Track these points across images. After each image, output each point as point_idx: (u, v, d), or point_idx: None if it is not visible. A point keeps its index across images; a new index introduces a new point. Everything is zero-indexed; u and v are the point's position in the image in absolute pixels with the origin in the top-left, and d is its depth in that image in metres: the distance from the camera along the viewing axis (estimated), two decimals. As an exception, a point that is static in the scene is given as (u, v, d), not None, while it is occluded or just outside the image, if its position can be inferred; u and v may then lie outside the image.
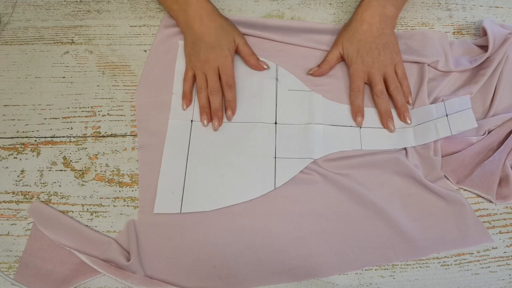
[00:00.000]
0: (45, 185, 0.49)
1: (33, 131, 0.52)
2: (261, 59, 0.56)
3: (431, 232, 0.48)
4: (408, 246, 0.47)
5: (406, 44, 0.59)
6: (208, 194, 0.48)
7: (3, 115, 0.53)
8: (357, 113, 0.53)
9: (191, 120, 0.52)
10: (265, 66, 0.55)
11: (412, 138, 0.52)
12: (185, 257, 0.45)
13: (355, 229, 0.48)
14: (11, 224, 0.47)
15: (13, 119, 0.52)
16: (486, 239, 0.48)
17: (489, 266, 0.47)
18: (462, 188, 0.51)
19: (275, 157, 0.50)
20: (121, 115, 0.53)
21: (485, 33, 0.58)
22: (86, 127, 0.52)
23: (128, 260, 0.44)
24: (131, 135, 0.52)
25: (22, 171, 0.50)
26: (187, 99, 0.53)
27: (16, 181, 0.49)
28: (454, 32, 0.62)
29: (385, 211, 0.48)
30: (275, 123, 0.52)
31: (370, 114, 0.54)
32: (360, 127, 0.53)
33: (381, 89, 0.53)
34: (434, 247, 0.47)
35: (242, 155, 0.50)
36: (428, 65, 0.57)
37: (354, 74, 0.54)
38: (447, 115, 0.52)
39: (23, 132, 0.52)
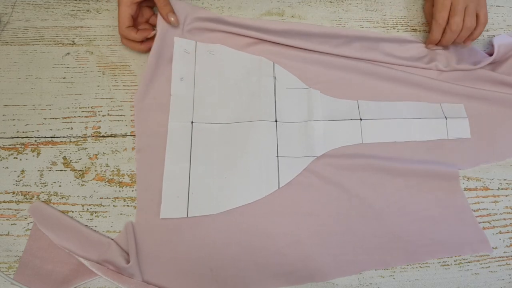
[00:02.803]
0: (45, 185, 0.49)
1: (33, 131, 0.52)
2: (258, 56, 0.56)
3: (430, 238, 0.48)
4: (406, 250, 0.47)
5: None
6: (213, 197, 0.48)
7: (3, 115, 0.53)
8: (430, 43, 0.57)
9: (191, 122, 0.52)
10: (172, 18, 0.53)
11: (411, 131, 0.53)
12: (182, 259, 0.45)
13: (354, 232, 0.48)
14: (11, 224, 0.47)
15: (13, 119, 0.52)
16: (485, 248, 0.48)
17: (489, 266, 0.47)
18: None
19: (278, 156, 0.50)
20: (121, 115, 0.53)
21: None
22: (86, 127, 0.52)
23: (128, 262, 0.44)
24: (131, 135, 0.52)
25: (22, 171, 0.50)
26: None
27: (16, 181, 0.49)
28: (455, 31, 0.61)
29: (384, 215, 0.48)
30: (275, 120, 0.52)
31: (370, 107, 0.54)
32: (361, 119, 0.53)
33: (458, 22, 0.52)
34: (432, 252, 0.47)
35: (245, 155, 0.50)
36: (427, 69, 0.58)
37: (440, 3, 0.53)
38: (446, 118, 0.53)
39: (23, 132, 0.52)
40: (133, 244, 0.45)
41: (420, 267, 0.47)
